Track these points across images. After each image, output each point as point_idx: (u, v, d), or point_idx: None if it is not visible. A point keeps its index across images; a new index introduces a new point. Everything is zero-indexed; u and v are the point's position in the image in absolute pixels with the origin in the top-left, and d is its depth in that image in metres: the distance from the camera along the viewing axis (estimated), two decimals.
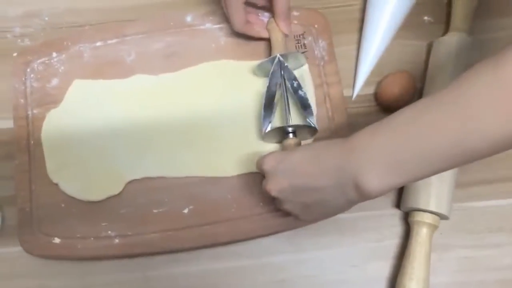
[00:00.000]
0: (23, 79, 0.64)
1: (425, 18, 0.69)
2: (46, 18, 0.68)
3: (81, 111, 0.62)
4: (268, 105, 0.60)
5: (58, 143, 0.61)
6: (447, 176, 0.58)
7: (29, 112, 0.63)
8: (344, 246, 0.61)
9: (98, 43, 0.65)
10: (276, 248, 0.61)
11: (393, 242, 0.61)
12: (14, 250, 0.59)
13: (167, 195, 0.60)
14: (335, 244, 0.61)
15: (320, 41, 0.65)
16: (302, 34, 0.66)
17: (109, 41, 0.65)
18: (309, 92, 0.63)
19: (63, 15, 0.68)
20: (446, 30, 0.67)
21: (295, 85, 0.60)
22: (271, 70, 0.60)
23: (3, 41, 0.67)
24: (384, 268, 0.60)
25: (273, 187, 0.52)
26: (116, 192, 0.60)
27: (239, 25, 0.62)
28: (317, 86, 0.64)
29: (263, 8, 0.65)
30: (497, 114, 0.39)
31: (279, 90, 0.61)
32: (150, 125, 0.62)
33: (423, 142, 0.42)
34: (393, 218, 0.61)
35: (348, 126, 0.62)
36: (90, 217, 0.59)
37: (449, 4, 0.68)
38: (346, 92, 0.65)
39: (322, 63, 0.65)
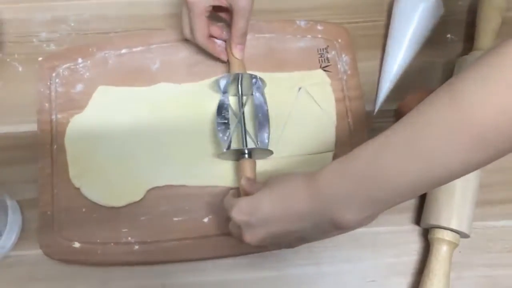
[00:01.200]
0: (48, 83, 0.65)
1: (448, 36, 0.69)
2: (72, 24, 0.69)
3: (104, 117, 0.63)
4: (223, 124, 0.61)
5: (81, 148, 0.62)
6: (469, 195, 0.58)
7: (53, 117, 0.63)
8: (363, 260, 0.61)
9: (124, 51, 0.66)
10: (295, 260, 0.61)
11: (411, 258, 0.61)
12: (34, 253, 0.60)
13: (188, 203, 0.60)
14: (354, 258, 0.61)
15: (343, 55, 0.66)
16: (326, 48, 0.66)
17: (135, 49, 0.66)
18: (330, 106, 0.64)
19: (89, 21, 0.69)
20: (469, 49, 0.67)
21: (257, 103, 0.62)
22: (223, 89, 0.62)
23: (29, 45, 0.68)
24: (403, 285, 0.60)
25: (252, 239, 0.50)
26: (137, 198, 0.60)
27: (200, 38, 0.62)
28: (339, 100, 0.64)
29: (225, 22, 0.65)
30: (457, 147, 0.39)
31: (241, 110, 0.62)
32: (173, 133, 0.62)
33: (389, 182, 0.42)
34: (412, 234, 0.61)
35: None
36: (110, 223, 0.59)
37: (473, 23, 0.68)
38: (368, 107, 0.65)
39: (344, 77, 0.65)
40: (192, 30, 0.61)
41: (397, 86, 0.66)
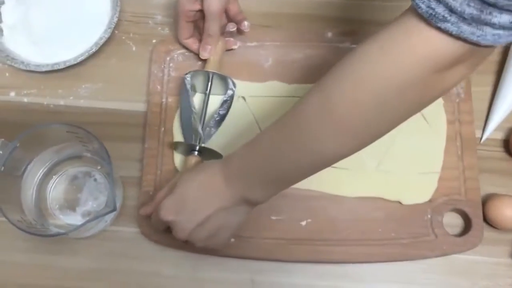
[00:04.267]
0: (162, 66, 0.66)
1: None
2: None
3: (214, 106, 0.63)
4: (186, 118, 0.62)
5: (188, 134, 0.62)
6: None
7: (164, 100, 0.64)
8: (454, 287, 0.60)
9: (238, 44, 0.66)
10: (383, 276, 0.60)
11: None
12: (130, 230, 0.61)
13: (286, 204, 0.60)
14: (446, 283, 0.60)
15: None
16: None
17: (249, 44, 0.67)
18: (441, 126, 0.63)
19: None
20: None
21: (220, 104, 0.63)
22: (186, 87, 0.62)
23: (144, 26, 0.69)
24: None
25: (183, 234, 0.53)
26: None
27: (180, 37, 0.65)
28: (450, 123, 0.63)
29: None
30: (329, 137, 0.46)
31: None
32: None
33: (280, 166, 0.50)
34: (509, 268, 0.60)
35: (478, 168, 0.62)
36: None
37: None
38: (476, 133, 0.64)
39: (457, 100, 0.64)
40: (176, 29, 0.65)
41: (508, 116, 0.65)
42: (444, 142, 0.62)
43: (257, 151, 0.51)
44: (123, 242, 0.61)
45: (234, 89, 0.63)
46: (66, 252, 0.60)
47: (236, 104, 0.64)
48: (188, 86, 0.62)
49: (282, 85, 0.65)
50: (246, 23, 0.65)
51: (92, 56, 0.66)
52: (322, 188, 0.61)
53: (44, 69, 0.63)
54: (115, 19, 0.65)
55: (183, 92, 0.63)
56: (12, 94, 0.66)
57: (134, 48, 0.68)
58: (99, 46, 0.64)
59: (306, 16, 0.70)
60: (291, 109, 0.48)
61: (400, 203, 0.60)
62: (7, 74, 0.67)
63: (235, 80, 0.64)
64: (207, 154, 0.61)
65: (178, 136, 0.63)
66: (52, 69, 0.63)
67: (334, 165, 0.60)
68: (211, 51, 0.64)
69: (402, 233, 0.59)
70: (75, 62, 0.63)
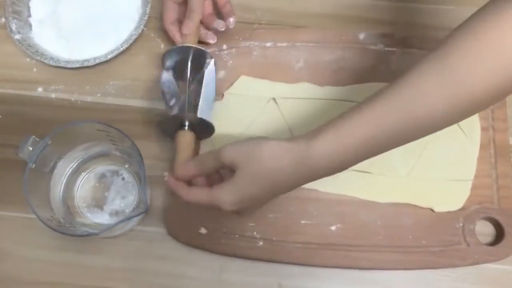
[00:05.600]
0: None
1: None
2: None
3: (244, 108, 0.63)
4: (168, 92, 0.59)
5: (217, 135, 0.61)
6: None
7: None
8: None
9: (268, 44, 0.66)
10: (412, 284, 0.59)
11: None
12: (156, 230, 0.60)
13: (317, 208, 0.60)
14: None
15: None
16: None
17: (279, 44, 0.66)
18: (475, 133, 0.62)
19: (235, 9, 0.69)
20: None
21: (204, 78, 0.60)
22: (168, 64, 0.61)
23: None
24: None
25: (243, 216, 0.52)
26: None
27: (165, 20, 0.64)
28: (483, 129, 0.62)
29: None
30: (445, 99, 0.44)
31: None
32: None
33: (382, 144, 0.48)
34: None
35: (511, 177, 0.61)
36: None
37: None
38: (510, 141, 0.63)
39: (491, 107, 0.63)
40: (161, 14, 0.64)
41: None
42: (478, 149, 0.61)
43: (353, 132, 0.46)
44: (149, 242, 0.60)
45: (212, 59, 0.61)
46: (92, 250, 0.59)
47: (267, 106, 0.63)
48: (168, 64, 0.60)
49: (313, 87, 0.64)
50: (232, 19, 0.63)
51: (120, 52, 0.65)
52: (353, 193, 0.60)
53: (74, 66, 0.62)
54: (146, 16, 0.64)
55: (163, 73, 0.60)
56: (40, 89, 0.65)
57: (162, 46, 0.67)
58: (129, 43, 0.63)
59: (338, 17, 0.69)
60: (399, 86, 0.46)
61: (432, 210, 0.59)
62: (34, 70, 0.66)
63: (265, 81, 0.64)
64: (199, 128, 0.58)
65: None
66: (82, 65, 0.62)
67: (366, 170, 0.60)
68: (192, 27, 0.62)
69: (433, 240, 0.58)
70: (105, 59, 0.63)
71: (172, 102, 0.59)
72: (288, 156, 0.47)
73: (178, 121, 0.58)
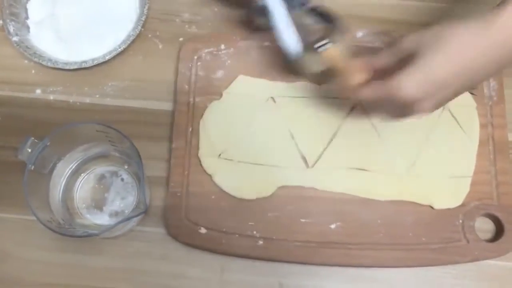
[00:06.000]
0: (190, 65, 0.65)
1: None
2: (216, 9, 0.69)
3: (242, 108, 0.63)
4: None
5: (215, 135, 0.62)
6: None
7: (191, 99, 0.63)
8: None
9: (266, 43, 0.66)
10: (413, 281, 0.59)
11: None
12: (156, 231, 0.60)
13: (316, 207, 0.60)
14: None
15: (490, 80, 0.64)
16: None
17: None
18: (474, 130, 0.62)
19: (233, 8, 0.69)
20: None
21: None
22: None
23: (171, 24, 0.69)
24: None
25: (430, 108, 0.49)
26: (267, 194, 0.60)
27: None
28: (482, 126, 0.62)
29: None
30: None
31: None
32: (309, 133, 0.62)
33: None
34: None
35: (511, 173, 0.61)
36: (238, 214, 0.59)
37: None
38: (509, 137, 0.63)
39: (490, 103, 0.63)
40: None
41: None
42: (477, 146, 0.61)
43: None
44: (149, 242, 0.60)
45: None
46: (92, 251, 0.59)
47: (266, 105, 0.63)
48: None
49: (312, 85, 0.64)
50: None
51: (119, 53, 0.65)
52: (353, 192, 0.60)
53: (72, 67, 0.62)
54: (144, 17, 0.64)
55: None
56: (38, 91, 0.65)
57: (160, 46, 0.67)
58: (127, 44, 0.63)
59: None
60: None
61: (431, 207, 0.59)
62: (33, 71, 0.66)
63: (264, 80, 0.64)
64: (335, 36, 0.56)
65: (204, 137, 0.62)
66: (80, 67, 0.62)
67: (365, 168, 0.60)
68: None
69: (433, 237, 0.59)
70: (104, 60, 0.63)
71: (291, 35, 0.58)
72: (479, 40, 0.45)
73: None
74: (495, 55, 0.46)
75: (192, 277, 0.59)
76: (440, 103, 0.49)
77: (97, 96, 0.65)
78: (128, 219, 0.50)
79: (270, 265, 0.59)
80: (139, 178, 0.57)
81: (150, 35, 0.68)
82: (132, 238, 0.60)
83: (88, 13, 0.66)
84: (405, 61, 0.49)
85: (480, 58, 0.46)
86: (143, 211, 0.50)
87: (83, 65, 0.62)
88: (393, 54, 0.51)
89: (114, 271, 0.59)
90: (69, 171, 0.59)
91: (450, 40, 0.46)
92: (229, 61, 0.65)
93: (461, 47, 0.46)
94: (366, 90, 0.51)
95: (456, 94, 0.49)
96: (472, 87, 0.47)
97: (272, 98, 0.63)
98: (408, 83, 0.47)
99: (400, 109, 0.50)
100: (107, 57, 0.63)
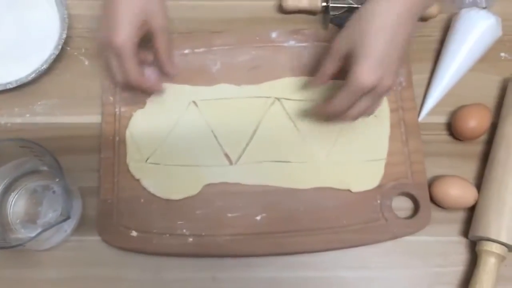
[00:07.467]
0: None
1: (502, 54, 0.70)
2: None
3: (166, 114, 0.65)
4: None
5: (142, 142, 0.64)
6: None
7: (117, 110, 0.66)
8: (409, 268, 0.62)
9: (187, 51, 0.69)
10: (343, 263, 0.62)
11: (457, 269, 0.62)
12: (91, 239, 0.62)
13: (242, 201, 0.62)
14: (400, 265, 0.62)
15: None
16: None
17: (197, 50, 0.69)
18: (385, 115, 0.65)
19: None
20: None
21: None
22: None
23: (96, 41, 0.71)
24: None
25: (390, 79, 0.54)
26: (194, 193, 0.62)
27: (136, 78, 0.59)
28: (393, 111, 0.66)
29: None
30: None
31: None
32: (231, 132, 0.65)
33: None
34: (459, 245, 0.63)
35: (423, 152, 0.64)
36: (167, 214, 0.62)
37: None
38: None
39: (399, 89, 0.67)
40: (125, 73, 0.58)
41: (448, 100, 0.67)
42: (389, 129, 0.65)
43: None
44: (86, 250, 0.62)
45: None
46: (30, 264, 0.61)
47: (188, 109, 0.66)
48: None
49: (231, 87, 0.67)
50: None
51: (46, 73, 0.68)
52: (275, 183, 0.63)
53: None
54: (64, 36, 0.67)
55: None
56: None
57: (86, 63, 0.70)
58: (49, 63, 0.66)
59: (251, 19, 0.72)
60: None
61: (350, 191, 0.63)
62: None
63: (186, 86, 0.67)
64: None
65: (131, 145, 0.64)
66: (5, 88, 0.65)
67: (286, 159, 0.64)
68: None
69: (354, 219, 0.62)
70: (27, 80, 0.65)
71: None
72: (393, 11, 0.53)
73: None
74: (408, 15, 0.53)
75: (131, 279, 0.62)
76: (395, 72, 0.55)
77: (28, 115, 0.67)
78: (51, 226, 0.52)
79: (203, 261, 0.62)
80: (66, 189, 0.59)
81: (76, 53, 0.70)
82: (69, 248, 0.62)
83: (9, 35, 0.68)
84: (349, 57, 0.55)
85: (400, 16, 0.53)
86: (65, 218, 0.52)
87: (8, 86, 0.65)
88: (335, 57, 0.57)
89: (54, 281, 0.61)
90: (1, 188, 0.61)
91: (371, 19, 0.53)
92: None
93: (381, 19, 0.53)
94: (336, 102, 0.57)
95: (399, 56, 0.54)
96: (407, 41, 0.55)
97: (194, 102, 0.66)
98: (364, 72, 0.53)
99: (372, 97, 0.56)
100: (30, 77, 0.65)
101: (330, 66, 0.58)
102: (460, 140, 0.66)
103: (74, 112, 0.68)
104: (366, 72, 0.52)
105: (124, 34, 0.56)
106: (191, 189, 0.63)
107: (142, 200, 0.62)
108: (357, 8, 0.69)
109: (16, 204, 0.62)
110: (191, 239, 0.61)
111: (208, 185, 0.63)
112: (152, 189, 0.62)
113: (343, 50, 0.56)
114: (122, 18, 0.56)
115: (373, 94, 0.55)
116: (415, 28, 0.55)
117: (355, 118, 0.58)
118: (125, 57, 0.57)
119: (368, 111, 0.58)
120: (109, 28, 0.57)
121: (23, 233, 0.61)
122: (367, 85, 0.53)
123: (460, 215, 0.64)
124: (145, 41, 0.61)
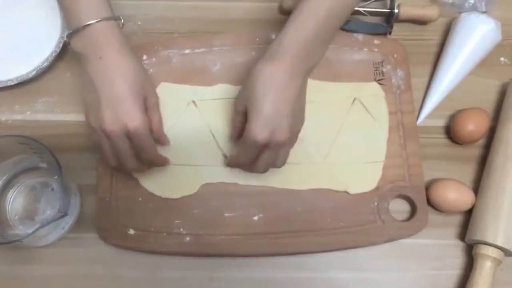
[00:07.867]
0: None
1: (501, 59, 0.71)
2: (139, 23, 0.73)
3: (165, 113, 0.65)
4: None
5: None
6: None
7: None
8: (405, 270, 0.62)
9: (187, 51, 0.69)
10: (338, 264, 0.62)
11: (454, 272, 0.62)
12: (89, 236, 0.63)
13: (239, 201, 0.63)
14: (396, 267, 0.62)
15: (398, 70, 0.68)
16: (381, 62, 0.68)
17: (197, 50, 0.69)
18: (383, 118, 0.65)
19: (154, 21, 0.72)
20: None
21: None
22: None
23: None
24: None
25: (286, 134, 0.55)
26: (191, 192, 0.63)
27: (154, 154, 0.59)
28: (392, 113, 0.66)
29: None
30: None
31: None
32: (228, 133, 0.65)
33: (333, 25, 0.56)
34: (456, 249, 0.63)
35: (420, 155, 0.64)
36: (164, 213, 0.62)
37: None
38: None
39: (398, 92, 0.67)
40: (143, 152, 0.58)
41: (446, 104, 0.68)
42: (387, 132, 0.65)
43: (311, 23, 0.54)
44: (83, 248, 0.62)
45: None
46: (27, 261, 0.62)
47: (187, 109, 0.66)
48: None
49: (230, 87, 0.67)
50: None
51: (48, 70, 0.68)
52: (273, 184, 0.63)
53: None
54: (65, 34, 0.67)
55: None
56: None
57: None
58: (50, 61, 0.66)
59: (251, 20, 0.73)
60: None
61: (347, 192, 0.63)
62: None
63: (185, 86, 0.67)
64: None
65: None
66: (6, 85, 0.65)
67: (290, 159, 0.63)
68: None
69: (351, 221, 0.62)
70: (28, 78, 0.65)
71: None
72: (278, 71, 0.54)
73: None
74: (299, 72, 0.56)
75: (127, 277, 0.62)
76: (288, 126, 0.55)
77: (28, 112, 0.68)
78: (48, 223, 0.53)
79: (199, 260, 0.62)
80: (65, 186, 0.60)
81: None
82: (67, 245, 0.63)
83: (11, 33, 0.69)
84: (246, 114, 0.57)
85: (287, 73, 0.55)
86: (62, 215, 0.52)
87: (9, 83, 0.65)
88: (239, 115, 0.59)
89: (51, 278, 0.62)
90: (0, 185, 0.62)
91: (256, 83, 0.55)
92: (151, 70, 0.68)
93: (266, 83, 0.55)
94: (239, 156, 0.59)
95: (291, 110, 0.55)
96: (299, 93, 0.56)
97: (194, 102, 0.66)
98: (256, 129, 0.55)
99: (272, 151, 0.57)
100: (31, 75, 0.65)
101: (238, 123, 0.60)
102: (458, 143, 0.66)
103: (74, 109, 0.68)
104: (257, 129, 0.54)
105: (139, 118, 0.56)
106: (189, 189, 0.63)
107: (140, 199, 0.63)
108: (359, 10, 0.70)
109: (15, 201, 0.62)
110: (188, 238, 0.61)
111: (206, 184, 0.63)
112: (150, 188, 0.63)
113: (241, 108, 0.58)
114: (131, 101, 0.56)
115: (271, 148, 0.56)
116: (306, 82, 0.58)
117: (262, 170, 0.59)
118: (143, 139, 0.57)
119: (277, 164, 0.59)
120: (118, 112, 0.55)
121: (21, 230, 0.61)
122: (259, 141, 0.55)
123: (457, 219, 0.64)
124: None
